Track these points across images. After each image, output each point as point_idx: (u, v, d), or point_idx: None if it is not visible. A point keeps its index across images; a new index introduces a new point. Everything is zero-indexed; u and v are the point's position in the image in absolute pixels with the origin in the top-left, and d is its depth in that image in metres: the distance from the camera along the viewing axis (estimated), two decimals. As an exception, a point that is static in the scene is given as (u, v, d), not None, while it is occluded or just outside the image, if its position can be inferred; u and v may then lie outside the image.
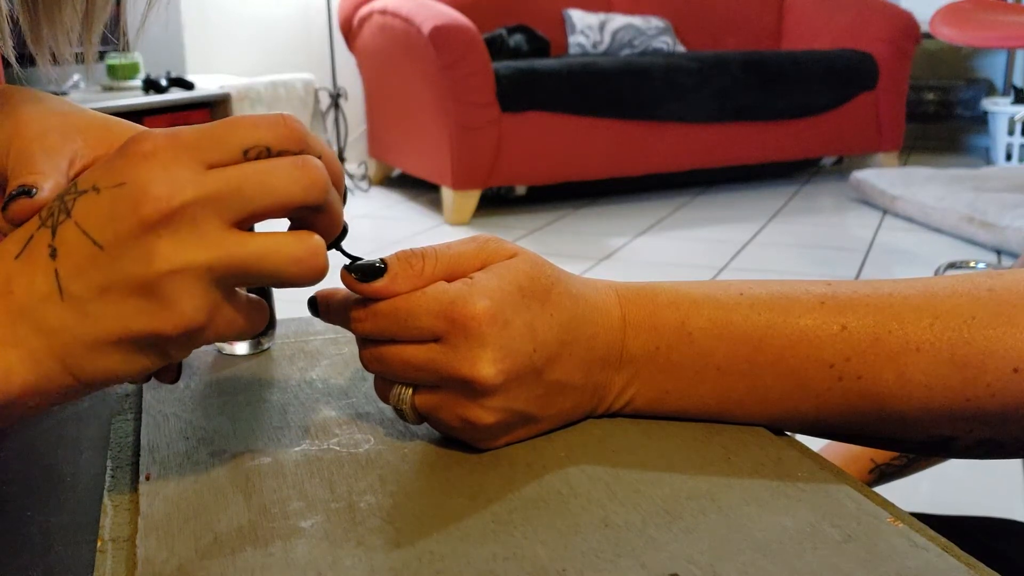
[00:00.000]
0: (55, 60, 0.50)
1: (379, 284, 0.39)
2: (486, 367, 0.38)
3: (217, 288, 0.34)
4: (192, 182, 0.33)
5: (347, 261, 0.40)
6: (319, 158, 0.36)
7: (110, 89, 3.10)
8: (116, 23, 0.51)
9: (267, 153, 0.35)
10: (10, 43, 0.48)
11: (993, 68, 4.75)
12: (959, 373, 0.39)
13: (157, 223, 0.32)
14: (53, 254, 0.33)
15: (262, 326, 0.38)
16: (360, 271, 0.39)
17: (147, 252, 0.32)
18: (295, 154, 0.35)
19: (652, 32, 3.93)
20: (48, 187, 0.42)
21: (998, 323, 0.38)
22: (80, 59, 0.51)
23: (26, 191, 0.41)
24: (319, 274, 0.35)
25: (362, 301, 0.40)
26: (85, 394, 0.36)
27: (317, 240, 0.35)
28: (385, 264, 0.39)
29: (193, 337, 0.34)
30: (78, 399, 0.44)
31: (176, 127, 0.35)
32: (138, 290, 0.33)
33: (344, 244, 0.39)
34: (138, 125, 0.49)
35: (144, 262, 0.32)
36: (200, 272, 0.33)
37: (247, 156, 0.34)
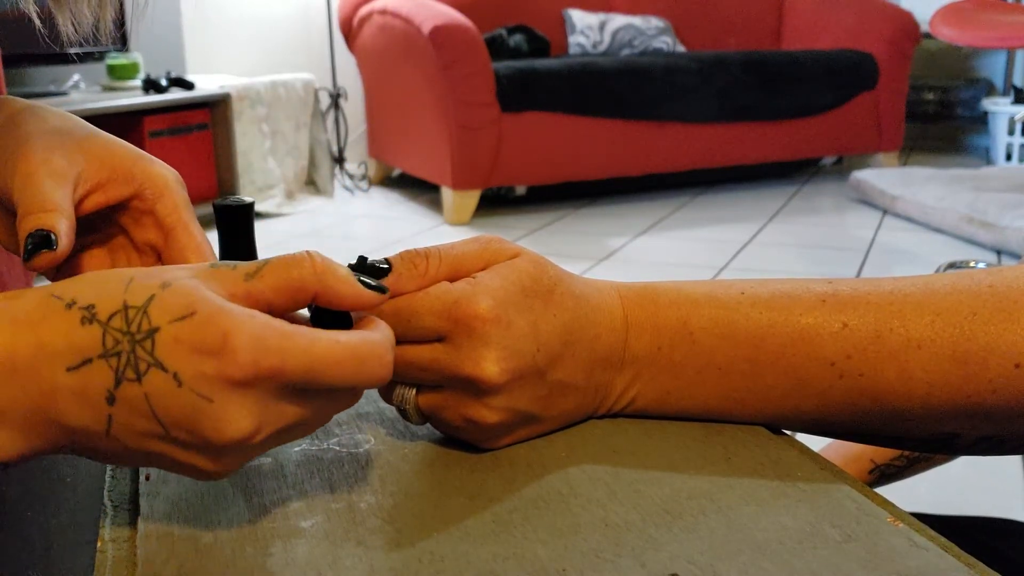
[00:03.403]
0: (75, 26, 0.50)
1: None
2: (490, 366, 0.38)
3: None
4: (275, 420, 0.33)
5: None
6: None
7: (110, 89, 3.10)
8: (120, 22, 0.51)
9: None
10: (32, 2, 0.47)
11: (993, 68, 4.75)
12: (961, 369, 0.39)
13: (231, 448, 0.32)
14: (111, 401, 0.31)
15: None
16: (364, 271, 0.39)
17: (213, 455, 0.33)
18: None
19: (652, 32, 3.93)
20: (64, 230, 0.42)
21: (999, 319, 0.38)
22: (97, 26, 0.50)
23: (46, 241, 0.41)
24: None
25: (365, 301, 0.40)
26: None
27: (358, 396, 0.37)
28: (389, 264, 0.39)
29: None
30: None
31: (282, 343, 0.32)
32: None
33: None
34: (138, 149, 0.49)
35: (206, 459, 0.33)
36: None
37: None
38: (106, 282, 0.33)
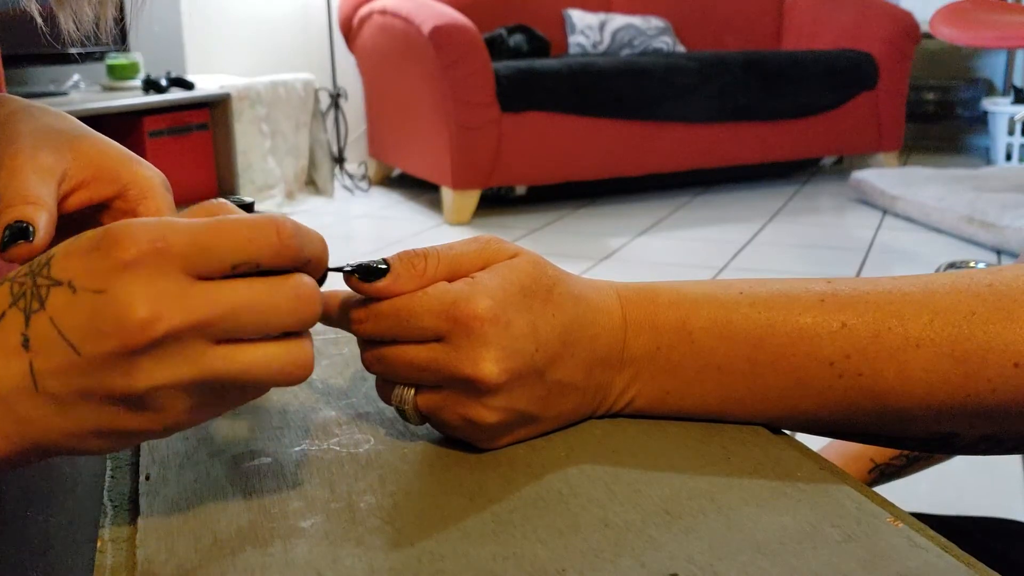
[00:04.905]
0: (76, 24, 0.50)
1: (381, 284, 0.39)
2: (489, 366, 0.38)
3: (202, 393, 0.33)
4: (179, 305, 0.31)
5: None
6: (308, 264, 0.34)
7: (110, 89, 3.10)
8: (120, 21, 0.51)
9: (257, 268, 0.33)
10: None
11: (993, 68, 4.75)
12: (959, 369, 0.39)
13: (141, 346, 0.31)
14: (26, 344, 0.31)
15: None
16: (362, 271, 0.39)
17: (129, 369, 0.31)
18: (289, 270, 0.34)
19: (652, 32, 3.93)
20: (43, 223, 0.42)
21: (998, 318, 0.39)
22: (98, 25, 0.50)
23: (23, 232, 0.41)
24: (304, 379, 0.34)
25: (363, 302, 0.40)
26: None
27: (307, 351, 0.34)
28: (387, 264, 0.39)
29: (181, 428, 0.34)
30: None
31: (162, 224, 0.32)
32: (120, 399, 0.32)
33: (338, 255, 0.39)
34: (128, 151, 0.49)
35: (126, 377, 0.31)
36: (185, 385, 0.32)
37: (235, 270, 0.33)
38: None
